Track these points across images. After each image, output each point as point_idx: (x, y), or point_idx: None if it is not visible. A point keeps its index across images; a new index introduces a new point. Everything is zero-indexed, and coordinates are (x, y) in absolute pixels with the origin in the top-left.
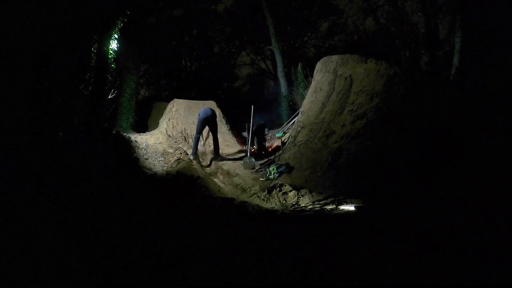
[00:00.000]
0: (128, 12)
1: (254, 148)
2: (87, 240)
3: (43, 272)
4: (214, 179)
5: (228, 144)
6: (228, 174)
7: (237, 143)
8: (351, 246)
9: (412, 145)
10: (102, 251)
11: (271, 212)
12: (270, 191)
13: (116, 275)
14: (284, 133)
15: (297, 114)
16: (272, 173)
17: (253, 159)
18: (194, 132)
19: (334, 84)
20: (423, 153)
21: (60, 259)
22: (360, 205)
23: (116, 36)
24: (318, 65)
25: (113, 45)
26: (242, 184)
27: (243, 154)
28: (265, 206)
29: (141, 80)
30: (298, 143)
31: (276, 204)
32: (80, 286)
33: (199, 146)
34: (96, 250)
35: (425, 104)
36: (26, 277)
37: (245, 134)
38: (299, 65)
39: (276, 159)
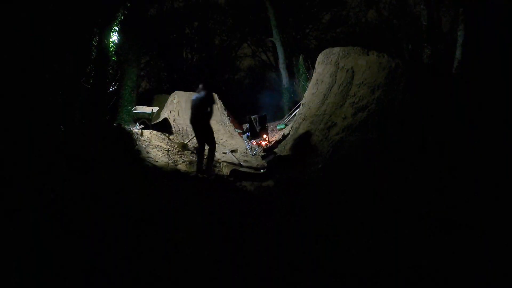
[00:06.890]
0: (129, 4)
1: (256, 141)
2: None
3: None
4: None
5: (231, 135)
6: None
7: (239, 135)
8: None
9: (413, 138)
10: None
11: None
12: None
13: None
14: (286, 125)
15: (299, 106)
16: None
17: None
18: None
19: (336, 76)
20: (424, 145)
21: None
22: None
23: (117, 29)
24: (320, 57)
25: (114, 37)
26: None
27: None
28: None
29: (142, 73)
30: (300, 135)
31: None
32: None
33: None
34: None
35: (426, 97)
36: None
37: (245, 125)
38: (301, 57)
39: (277, 151)
